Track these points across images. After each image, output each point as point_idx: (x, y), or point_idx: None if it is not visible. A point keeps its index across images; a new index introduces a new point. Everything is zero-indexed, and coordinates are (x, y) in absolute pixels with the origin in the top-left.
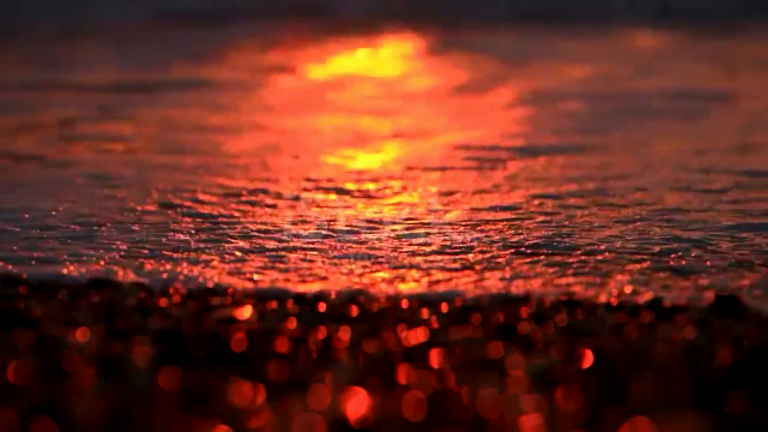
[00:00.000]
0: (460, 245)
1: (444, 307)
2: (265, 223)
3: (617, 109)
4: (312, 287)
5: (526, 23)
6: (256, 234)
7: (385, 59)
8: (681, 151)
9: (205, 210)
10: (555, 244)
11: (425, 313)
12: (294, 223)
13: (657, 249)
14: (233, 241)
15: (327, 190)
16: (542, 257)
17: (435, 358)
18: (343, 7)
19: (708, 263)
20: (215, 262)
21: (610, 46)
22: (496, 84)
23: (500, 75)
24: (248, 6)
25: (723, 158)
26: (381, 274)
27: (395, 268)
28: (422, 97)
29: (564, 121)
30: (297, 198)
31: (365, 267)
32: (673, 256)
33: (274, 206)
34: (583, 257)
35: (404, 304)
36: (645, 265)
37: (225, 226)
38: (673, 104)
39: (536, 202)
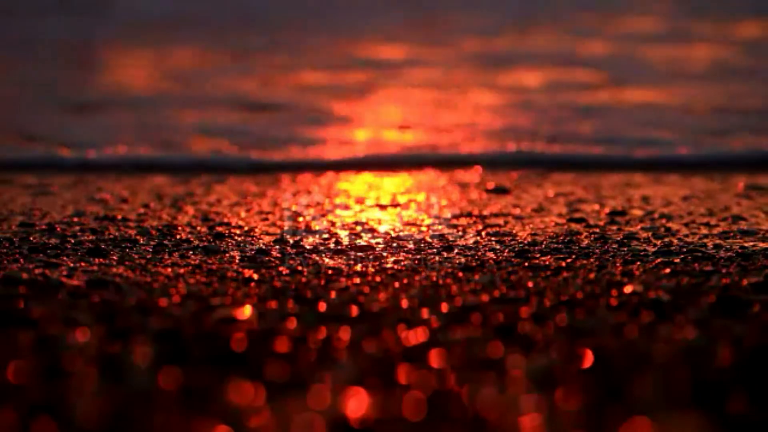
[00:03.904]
0: (460, 245)
1: (444, 307)
2: (265, 225)
3: None
4: (311, 287)
5: None
6: (256, 235)
7: None
8: None
9: (206, 211)
10: (556, 244)
11: (425, 313)
12: (294, 225)
13: (657, 249)
14: (233, 241)
15: (327, 194)
16: (543, 257)
17: (435, 358)
18: None
19: (708, 263)
20: (215, 263)
21: None
22: None
23: None
24: None
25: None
26: (381, 274)
27: (395, 268)
28: None
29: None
30: (296, 200)
31: (365, 267)
32: (673, 256)
33: (274, 209)
34: (583, 257)
35: (404, 304)
36: (645, 265)
37: (225, 227)
38: None
39: (535, 203)
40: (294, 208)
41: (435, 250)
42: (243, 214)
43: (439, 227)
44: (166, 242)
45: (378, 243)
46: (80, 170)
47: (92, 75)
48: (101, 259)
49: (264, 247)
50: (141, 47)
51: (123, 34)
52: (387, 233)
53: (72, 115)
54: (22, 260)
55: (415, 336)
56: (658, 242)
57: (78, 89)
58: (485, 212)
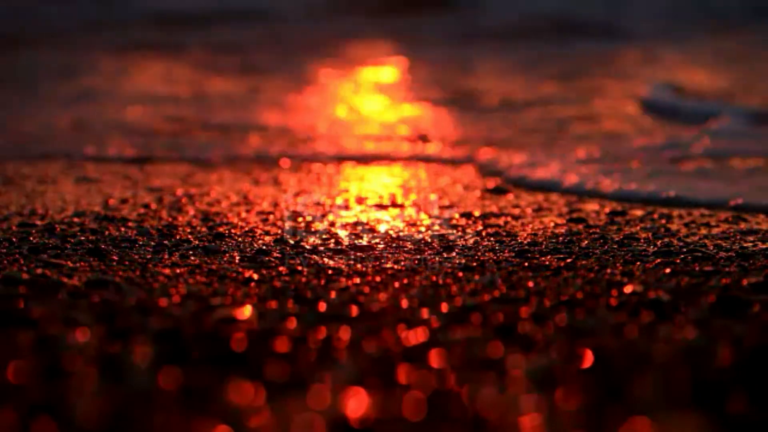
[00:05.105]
0: (460, 246)
1: (444, 307)
2: (265, 225)
3: None
4: (311, 287)
5: None
6: (256, 235)
7: None
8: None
9: (207, 212)
10: (556, 244)
11: (425, 313)
12: (294, 225)
13: (657, 249)
14: (233, 241)
15: (327, 193)
16: (542, 257)
17: (435, 358)
18: None
19: (708, 263)
20: (215, 263)
21: None
22: None
23: None
24: None
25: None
26: (381, 274)
27: (395, 268)
28: None
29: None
30: (296, 200)
31: (365, 267)
32: (673, 256)
33: (273, 209)
34: (583, 257)
35: (404, 304)
36: (645, 265)
37: (225, 227)
38: None
39: (535, 204)
40: (294, 208)
41: (435, 250)
42: (243, 214)
43: (439, 227)
44: (166, 242)
45: (378, 243)
46: None
47: None
48: (101, 259)
49: (264, 247)
50: None
51: None
52: (387, 233)
53: None
54: (22, 260)
55: (415, 336)
56: (658, 242)
57: None
58: (485, 212)
